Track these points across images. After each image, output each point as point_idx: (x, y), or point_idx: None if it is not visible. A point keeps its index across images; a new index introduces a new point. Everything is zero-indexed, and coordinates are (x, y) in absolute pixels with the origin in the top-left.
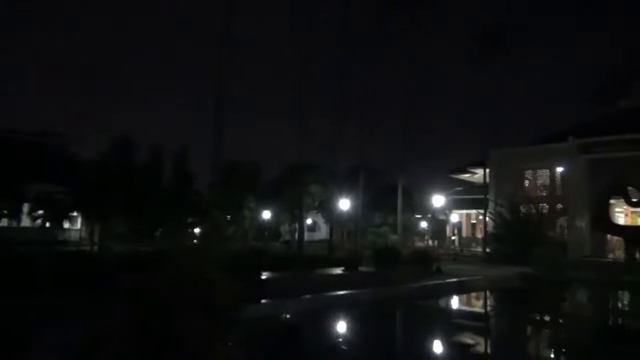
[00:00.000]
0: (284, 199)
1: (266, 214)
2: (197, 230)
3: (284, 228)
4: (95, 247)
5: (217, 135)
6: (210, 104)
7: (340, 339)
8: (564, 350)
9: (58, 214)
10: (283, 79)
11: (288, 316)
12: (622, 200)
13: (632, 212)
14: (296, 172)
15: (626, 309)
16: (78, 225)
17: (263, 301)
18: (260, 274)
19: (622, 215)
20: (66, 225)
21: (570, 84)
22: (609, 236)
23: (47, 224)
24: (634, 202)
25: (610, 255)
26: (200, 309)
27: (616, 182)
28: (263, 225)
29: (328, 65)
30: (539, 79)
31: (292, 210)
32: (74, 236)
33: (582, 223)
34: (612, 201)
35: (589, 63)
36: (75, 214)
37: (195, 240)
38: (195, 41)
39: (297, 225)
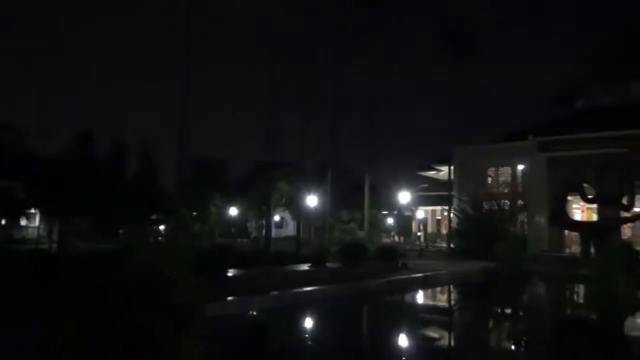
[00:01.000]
0: (252, 195)
1: (233, 211)
2: (162, 227)
3: (252, 225)
4: (55, 246)
5: (182, 131)
6: (176, 101)
7: (306, 335)
8: (523, 341)
9: (14, 211)
10: (253, 77)
11: (254, 313)
12: (579, 196)
13: (587, 208)
14: (264, 169)
15: (580, 301)
16: (36, 222)
17: (229, 298)
18: (226, 271)
19: (578, 211)
20: (23, 222)
21: (532, 85)
22: (566, 231)
23: (2, 222)
24: (590, 198)
25: (567, 250)
26: (160, 307)
27: (573, 179)
28: (230, 222)
29: (297, 63)
30: (503, 80)
31: (260, 207)
32: (32, 234)
33: (541, 219)
34: (569, 198)
35: (552, 64)
36: (33, 210)
37: (160, 238)
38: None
39: (264, 222)
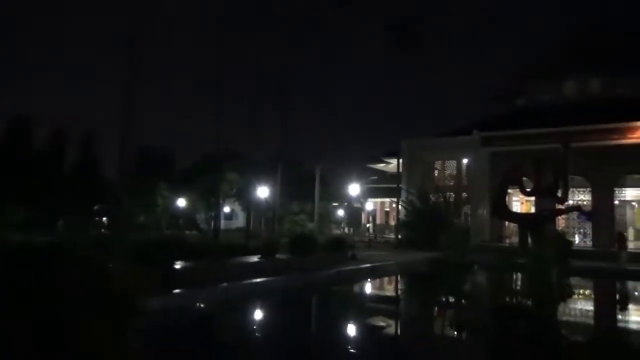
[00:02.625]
0: (201, 186)
1: (182, 202)
2: (105, 219)
3: (200, 216)
4: None
5: (126, 118)
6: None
7: (254, 327)
8: (464, 326)
9: None
10: (204, 67)
11: (202, 306)
12: (518, 189)
13: (526, 201)
14: (214, 159)
15: (518, 288)
16: None
17: (176, 291)
18: (172, 264)
19: (518, 203)
20: None
21: (479, 82)
22: (506, 223)
23: None
24: (528, 191)
25: (507, 240)
26: (98, 301)
27: (513, 173)
28: (178, 214)
29: (248, 52)
30: (453, 76)
31: (209, 198)
32: None
33: (484, 211)
34: (509, 191)
35: (499, 63)
36: None
37: (103, 229)
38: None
39: (213, 214)
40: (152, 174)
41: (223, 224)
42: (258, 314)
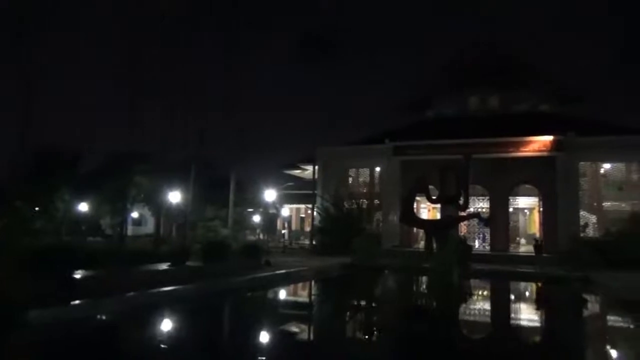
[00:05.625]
0: (107, 190)
1: (85, 207)
2: None
3: (106, 222)
4: None
5: (24, 115)
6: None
7: (159, 337)
8: (373, 329)
9: None
10: (113, 67)
11: (103, 317)
12: (425, 197)
13: (433, 208)
14: (122, 162)
15: (423, 290)
16: None
17: (76, 302)
18: (71, 272)
19: (425, 210)
20: None
21: (392, 92)
22: (415, 229)
23: None
24: (434, 199)
25: (416, 245)
26: None
27: (420, 182)
28: (81, 219)
29: (161, 54)
30: (368, 86)
31: (115, 203)
32: None
33: (394, 217)
34: (418, 198)
35: (413, 75)
36: None
37: None
38: None
39: (120, 219)
40: (53, 177)
41: (131, 229)
42: (165, 324)
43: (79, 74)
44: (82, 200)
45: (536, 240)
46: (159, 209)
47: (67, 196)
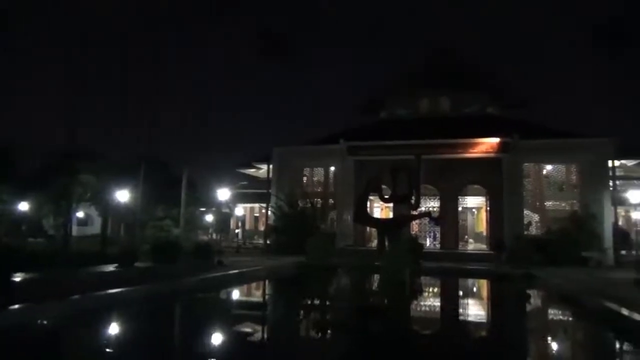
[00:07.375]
0: (50, 189)
1: (25, 207)
2: None
3: (48, 222)
4: None
5: None
6: None
7: (104, 343)
8: (326, 327)
9: None
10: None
11: (44, 322)
12: (378, 196)
13: (385, 207)
14: (66, 160)
15: (374, 288)
16: None
17: (14, 307)
18: (9, 275)
19: (379, 209)
20: None
21: (349, 93)
22: (368, 228)
23: None
24: (386, 198)
25: (370, 244)
26: None
27: (373, 181)
28: (21, 220)
29: (113, 52)
30: (325, 86)
31: (59, 202)
32: None
33: (348, 216)
34: (371, 197)
35: (369, 76)
36: None
37: None
38: None
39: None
40: None
41: (77, 230)
42: (111, 328)
43: (17, 72)
44: (23, 199)
45: (497, 240)
46: (107, 208)
47: (4, 196)
